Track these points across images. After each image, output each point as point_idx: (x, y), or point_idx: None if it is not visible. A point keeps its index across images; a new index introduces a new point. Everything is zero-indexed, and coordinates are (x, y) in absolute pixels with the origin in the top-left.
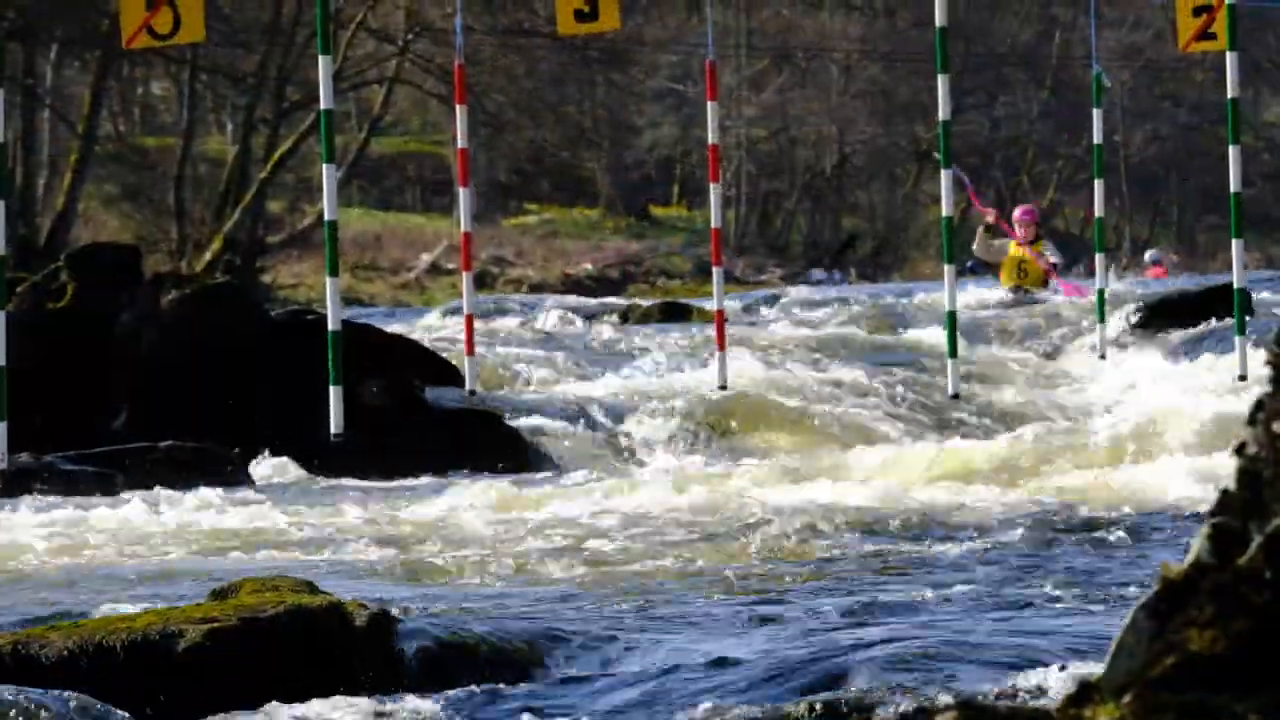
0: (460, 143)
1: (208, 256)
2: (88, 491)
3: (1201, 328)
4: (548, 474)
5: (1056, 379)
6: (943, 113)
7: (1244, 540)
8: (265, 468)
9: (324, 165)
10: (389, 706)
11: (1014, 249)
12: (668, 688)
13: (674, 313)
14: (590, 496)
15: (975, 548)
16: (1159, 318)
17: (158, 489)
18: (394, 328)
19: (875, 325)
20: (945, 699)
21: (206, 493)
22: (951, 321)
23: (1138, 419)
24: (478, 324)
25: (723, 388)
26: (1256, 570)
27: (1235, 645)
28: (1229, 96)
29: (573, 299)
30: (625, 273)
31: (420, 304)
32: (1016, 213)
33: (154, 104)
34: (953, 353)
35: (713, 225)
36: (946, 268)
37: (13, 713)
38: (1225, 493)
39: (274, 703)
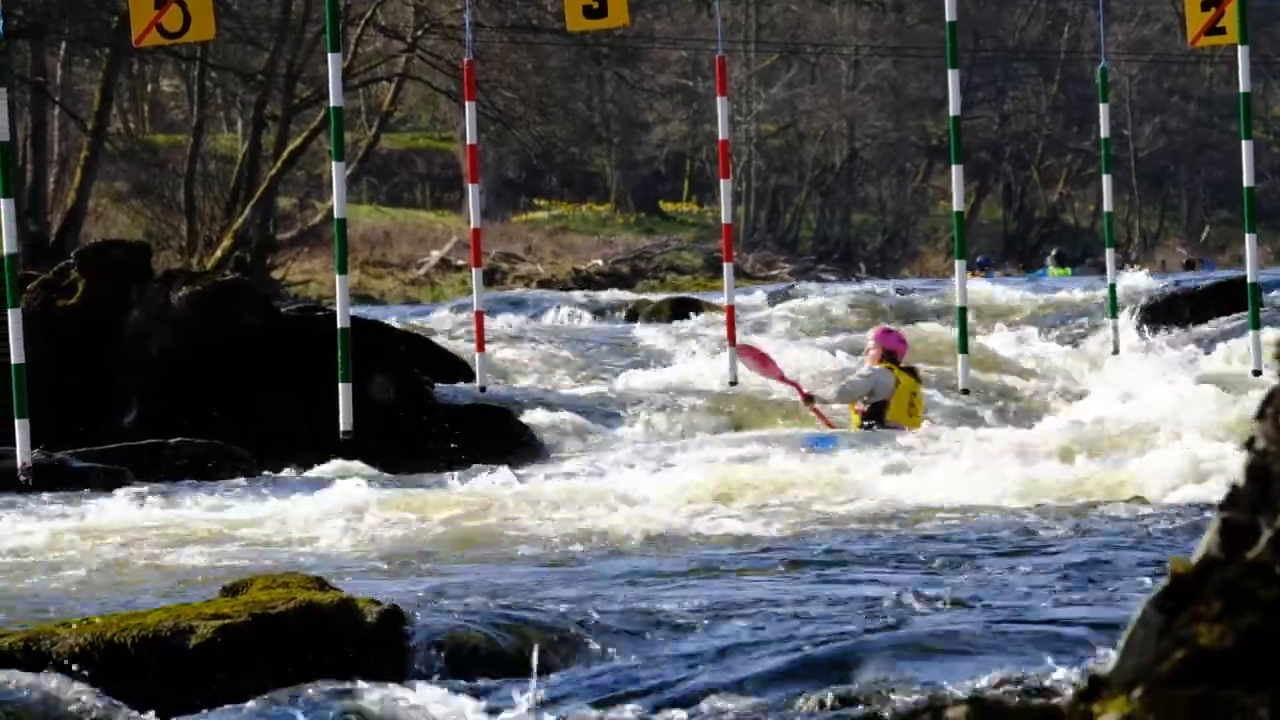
0: (469, 139)
1: (218, 253)
2: (99, 489)
3: (1215, 322)
4: (558, 469)
5: (1070, 373)
6: (953, 107)
7: (1253, 535)
8: (275, 463)
9: (333, 162)
10: (400, 703)
11: None
12: (677, 680)
13: (684, 308)
14: (601, 491)
15: (985, 541)
16: (1171, 312)
17: (168, 486)
18: (404, 324)
19: (886, 319)
20: (955, 694)
21: (216, 489)
22: (962, 316)
23: (1150, 413)
24: (488, 320)
25: (733, 383)
26: (1265, 565)
27: (1244, 640)
28: (1240, 90)
29: (583, 295)
30: (635, 268)
31: (430, 300)
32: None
33: (164, 101)
34: (963, 347)
35: (723, 221)
36: (957, 263)
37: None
38: (1235, 488)
39: (285, 699)
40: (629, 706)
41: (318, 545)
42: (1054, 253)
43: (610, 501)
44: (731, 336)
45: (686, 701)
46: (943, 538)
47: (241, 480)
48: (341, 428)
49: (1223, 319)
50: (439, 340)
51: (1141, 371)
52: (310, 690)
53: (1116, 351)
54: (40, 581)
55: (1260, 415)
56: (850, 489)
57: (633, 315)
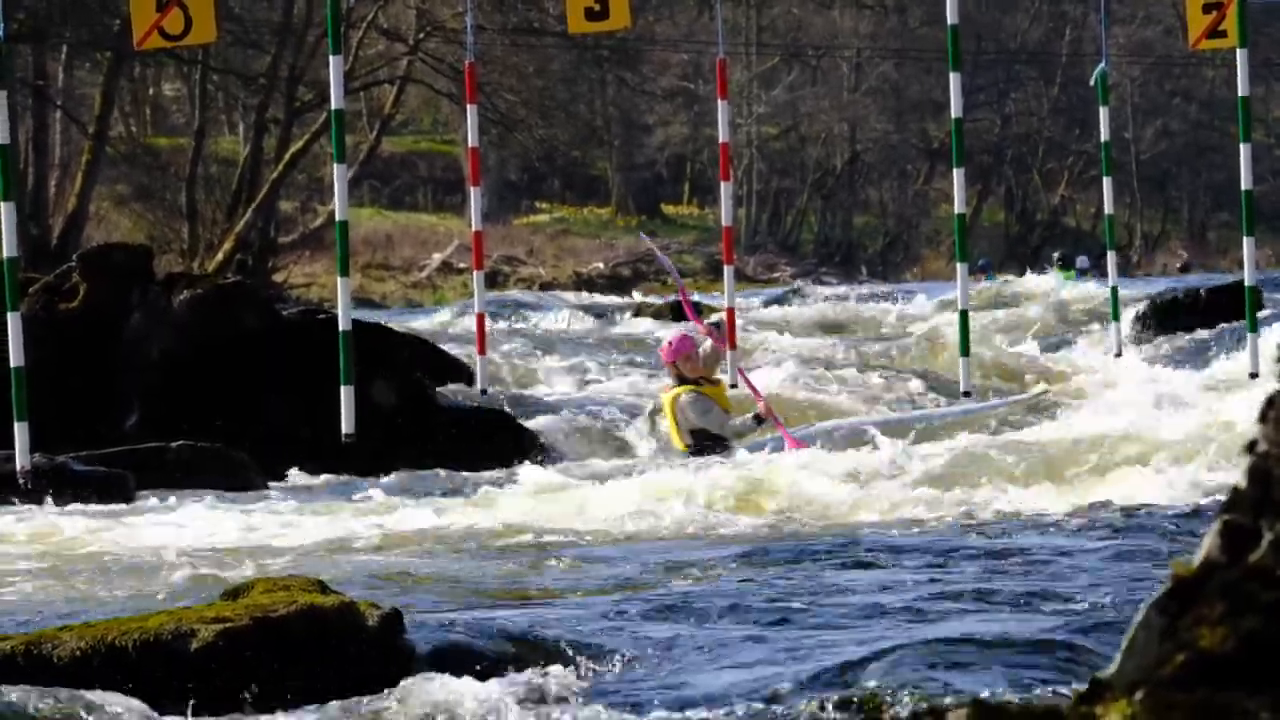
0: (471, 142)
1: (219, 257)
2: (100, 493)
3: (1215, 325)
4: (560, 473)
5: (1071, 376)
6: (954, 110)
7: (1255, 538)
8: (276, 467)
9: (335, 165)
10: (399, 707)
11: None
12: (678, 685)
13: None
14: (602, 495)
15: (985, 544)
16: (1172, 315)
17: (170, 489)
18: (406, 327)
19: (887, 323)
20: (957, 697)
21: (218, 492)
22: (964, 319)
23: (1151, 416)
24: (489, 323)
25: (733, 385)
26: (1267, 568)
27: (1245, 643)
28: (1239, 94)
29: (584, 297)
30: (636, 271)
31: (432, 303)
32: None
33: (165, 104)
34: (965, 350)
35: (724, 223)
36: (959, 266)
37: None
38: (1236, 490)
39: (286, 702)
40: (630, 712)
41: (319, 548)
42: (1057, 255)
43: (614, 506)
44: (732, 340)
45: (689, 705)
46: (939, 541)
47: (242, 483)
48: (344, 430)
49: (1223, 322)
50: (440, 343)
51: (1143, 374)
52: (312, 694)
53: (1119, 354)
54: (41, 585)
55: (1261, 418)
56: (843, 489)
57: (635, 317)
